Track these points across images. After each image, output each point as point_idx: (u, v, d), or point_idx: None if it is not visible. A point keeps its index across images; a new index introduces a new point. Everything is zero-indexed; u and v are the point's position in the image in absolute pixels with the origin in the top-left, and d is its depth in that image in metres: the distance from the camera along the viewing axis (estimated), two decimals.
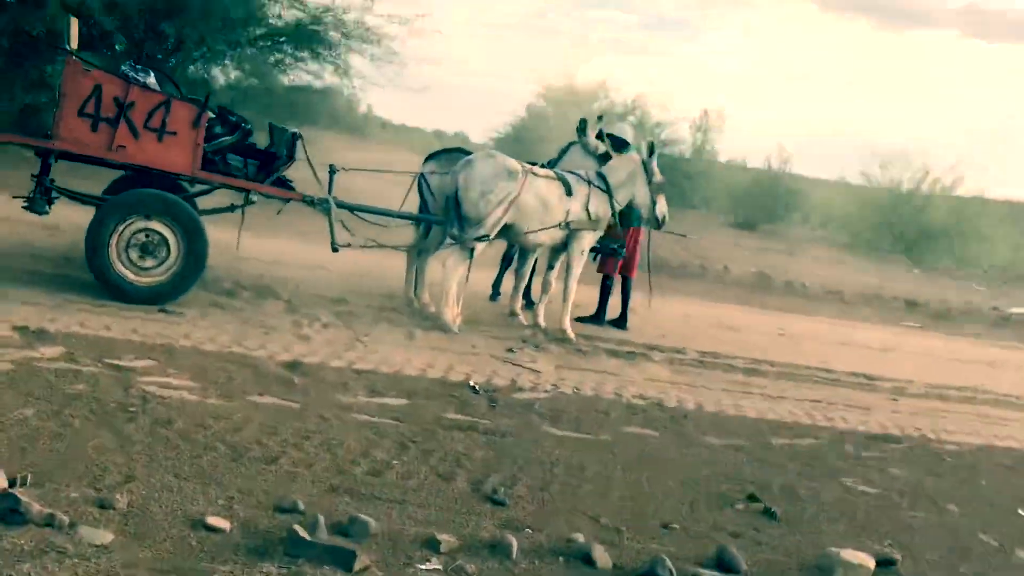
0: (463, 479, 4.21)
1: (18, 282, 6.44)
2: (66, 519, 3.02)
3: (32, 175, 6.88)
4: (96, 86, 6.43)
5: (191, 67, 15.57)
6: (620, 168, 8.15)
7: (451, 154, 8.17)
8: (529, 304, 9.06)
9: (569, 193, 7.84)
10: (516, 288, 8.73)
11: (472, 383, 5.90)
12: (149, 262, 6.50)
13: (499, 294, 9.49)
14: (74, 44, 6.81)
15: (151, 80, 6.77)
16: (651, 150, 8.18)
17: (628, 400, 6.27)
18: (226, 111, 7.29)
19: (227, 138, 7.02)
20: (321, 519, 3.33)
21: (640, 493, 4.47)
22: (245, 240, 7.47)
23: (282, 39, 16.73)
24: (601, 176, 8.09)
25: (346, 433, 4.55)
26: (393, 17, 16.00)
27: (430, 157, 8.27)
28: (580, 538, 3.67)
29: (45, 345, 5.06)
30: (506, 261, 9.46)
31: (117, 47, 13.93)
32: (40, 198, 6.65)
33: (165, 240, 6.51)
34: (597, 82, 33.13)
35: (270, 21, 16.85)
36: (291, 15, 16.82)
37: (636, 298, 9.27)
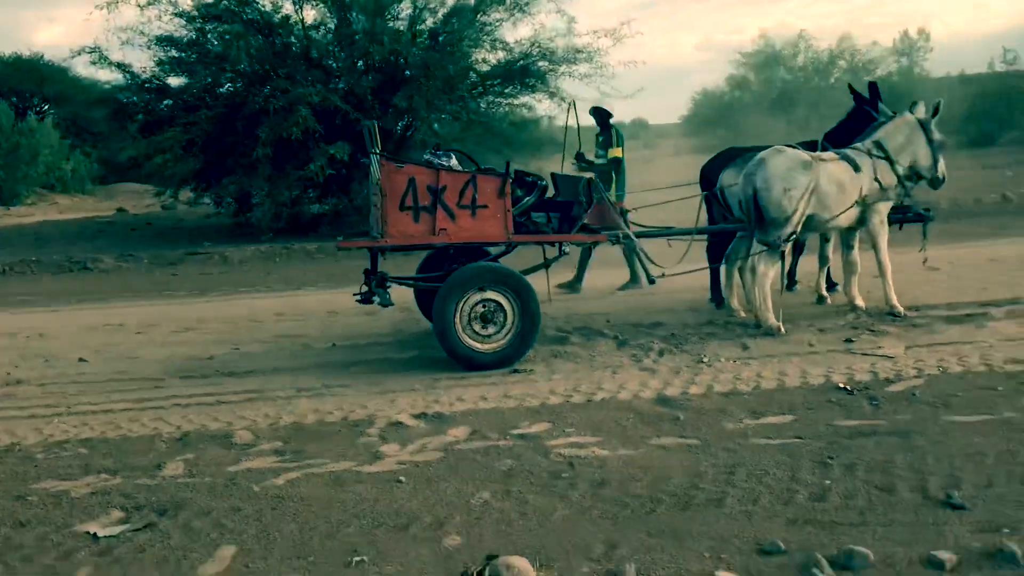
0: (904, 488, 4.19)
1: (383, 371, 7.05)
2: None
3: (366, 270, 7.54)
4: (410, 179, 6.94)
5: (421, 130, 16.46)
6: (897, 133, 7.89)
7: (736, 160, 8.11)
8: (831, 287, 8.89)
9: (857, 170, 7.66)
10: (820, 272, 8.62)
11: (842, 384, 5.86)
12: (491, 329, 6.91)
13: (797, 283, 9.34)
14: (378, 145, 7.38)
15: (453, 162, 7.23)
16: (935, 110, 7.85)
17: (1002, 368, 6.01)
18: (521, 173, 7.65)
19: (528, 198, 7.37)
20: (820, 558, 3.43)
21: None
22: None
23: (495, 82, 17.36)
24: (878, 144, 7.84)
25: (762, 460, 4.65)
26: (599, 32, 16.26)
27: (722, 168, 8.20)
28: None
29: (450, 427, 5.50)
30: (798, 249, 9.30)
31: (358, 129, 14.92)
32: (383, 292, 7.25)
33: (501, 306, 6.91)
34: (795, 34, 31.95)
35: (476, 68, 17.55)
36: (494, 58, 17.46)
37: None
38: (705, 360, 6.76)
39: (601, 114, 9.60)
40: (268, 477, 4.81)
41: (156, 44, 16.68)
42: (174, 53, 16.81)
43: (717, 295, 8.63)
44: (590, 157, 9.79)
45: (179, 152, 15.49)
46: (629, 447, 5.00)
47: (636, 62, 20.02)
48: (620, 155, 9.50)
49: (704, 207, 8.28)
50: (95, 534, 4.15)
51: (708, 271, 8.50)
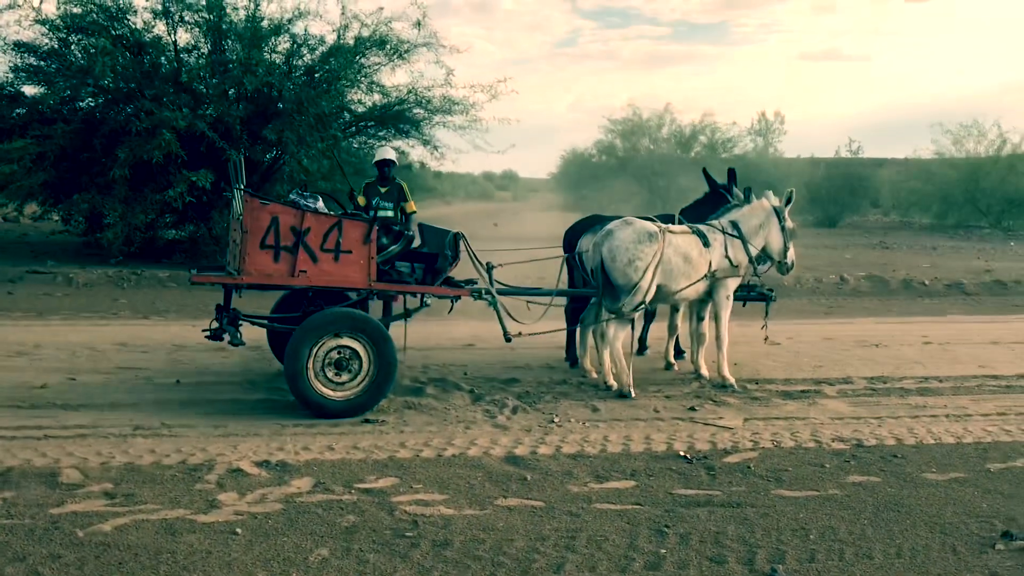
0: (734, 560, 4.37)
1: (228, 413, 6.82)
2: None
3: (217, 305, 7.33)
4: (274, 218, 6.83)
5: (289, 165, 16.27)
6: (753, 216, 8.26)
7: (595, 227, 8.34)
8: (678, 354, 9.23)
9: (707, 244, 7.97)
10: (669, 340, 8.96)
11: (683, 453, 6.07)
12: (345, 377, 6.82)
13: (647, 348, 9.63)
14: (243, 181, 7.23)
15: (320, 204, 7.15)
16: (788, 199, 8.31)
17: (829, 446, 6.36)
18: (388, 222, 7.63)
19: (394, 247, 7.35)
20: None
21: (901, 548, 4.56)
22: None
23: (370, 124, 17.33)
24: (734, 224, 8.21)
25: (603, 526, 4.75)
26: (477, 87, 16.54)
27: (583, 234, 8.40)
28: None
29: (294, 478, 5.37)
30: (649, 316, 9.63)
31: (224, 159, 14.57)
32: (234, 330, 7.05)
33: (357, 354, 6.83)
34: (662, 106, 33.38)
35: (352, 108, 17.48)
36: (370, 100, 17.45)
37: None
38: (556, 420, 6.87)
39: (386, 165, 8.98)
40: (95, 522, 4.57)
41: (13, 49, 15.87)
42: (32, 61, 16.02)
43: (572, 355, 8.82)
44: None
45: (28, 164, 14.67)
46: (475, 507, 5.00)
47: (510, 120, 20.31)
48: (415, 208, 9.22)
49: (566, 269, 8.46)
50: None
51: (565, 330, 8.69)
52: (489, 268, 7.61)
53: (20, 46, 15.89)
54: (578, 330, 8.47)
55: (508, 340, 7.45)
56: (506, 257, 7.97)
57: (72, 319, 11.07)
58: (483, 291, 7.47)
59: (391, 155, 8.93)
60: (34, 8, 15.59)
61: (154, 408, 6.85)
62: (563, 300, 8.42)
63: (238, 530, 4.53)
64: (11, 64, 15.99)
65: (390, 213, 8.91)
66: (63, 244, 17.79)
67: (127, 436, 6.11)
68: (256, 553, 4.29)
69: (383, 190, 8.73)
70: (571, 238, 8.64)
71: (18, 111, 16.18)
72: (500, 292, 7.60)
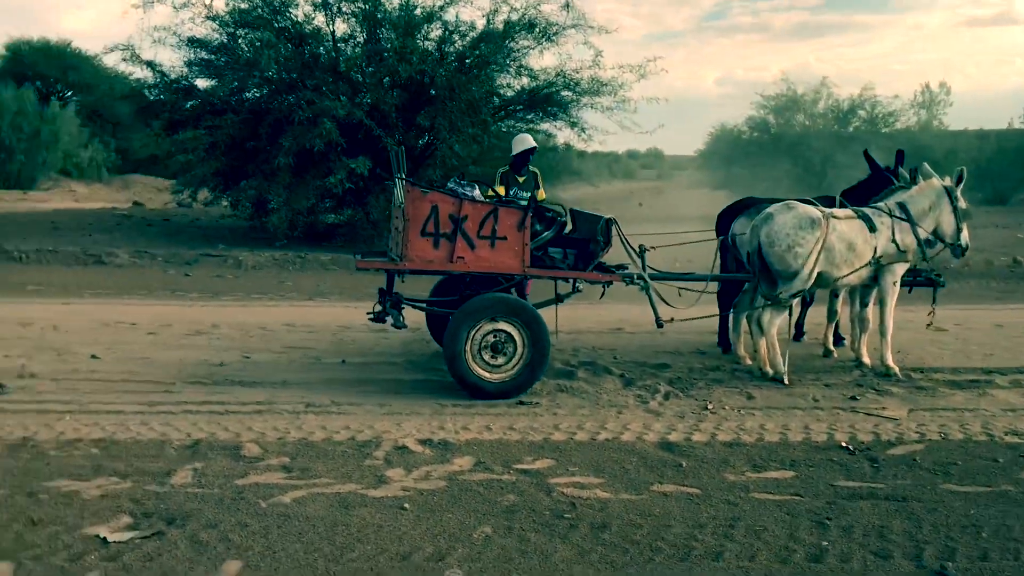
0: (899, 555, 4.26)
1: (391, 392, 7.14)
2: None
3: (379, 289, 7.66)
4: (433, 207, 7.06)
5: (441, 150, 16.67)
6: (922, 197, 7.89)
7: (750, 210, 8.21)
8: (838, 341, 8.96)
9: (873, 229, 7.67)
10: (828, 326, 8.71)
11: (844, 444, 5.93)
12: (500, 360, 7.00)
13: (804, 334, 9.41)
14: (404, 170, 7.50)
15: (476, 193, 7.34)
16: (959, 178, 7.90)
17: (1002, 439, 6.07)
18: (542, 208, 7.76)
19: (547, 233, 7.47)
20: None
21: None
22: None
23: (518, 107, 17.53)
24: (902, 206, 7.86)
25: (761, 516, 4.72)
26: (625, 67, 16.45)
27: (737, 216, 8.30)
28: None
29: (455, 456, 5.59)
30: (806, 302, 9.38)
31: (380, 146, 15.11)
32: (397, 314, 7.36)
33: (512, 338, 6.99)
34: (818, 81, 32.10)
35: (501, 93, 17.72)
36: (519, 84, 17.63)
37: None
38: (710, 407, 6.84)
39: (531, 153, 9.17)
40: (275, 493, 4.90)
41: (187, 45, 16.93)
42: (204, 55, 17.05)
43: (725, 341, 8.71)
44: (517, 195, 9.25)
45: (202, 153, 15.67)
46: (631, 491, 5.07)
47: (658, 99, 20.19)
48: (544, 196, 9.21)
49: (718, 254, 8.36)
50: (104, 538, 4.24)
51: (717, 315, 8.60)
52: (642, 251, 7.60)
53: (193, 42, 16.93)
54: (731, 316, 8.35)
55: (660, 327, 7.45)
56: (655, 241, 7.94)
57: (243, 300, 11.80)
58: (635, 276, 7.49)
59: (533, 143, 9.05)
60: (206, 5, 16.59)
61: (323, 386, 7.23)
62: (716, 285, 8.34)
63: (406, 505, 4.77)
64: (185, 59, 17.10)
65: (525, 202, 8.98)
66: (231, 228, 18.87)
67: (300, 413, 6.50)
68: (424, 528, 4.50)
69: (520, 179, 8.84)
70: (725, 221, 8.53)
71: (191, 103, 17.30)
72: (652, 277, 7.59)
